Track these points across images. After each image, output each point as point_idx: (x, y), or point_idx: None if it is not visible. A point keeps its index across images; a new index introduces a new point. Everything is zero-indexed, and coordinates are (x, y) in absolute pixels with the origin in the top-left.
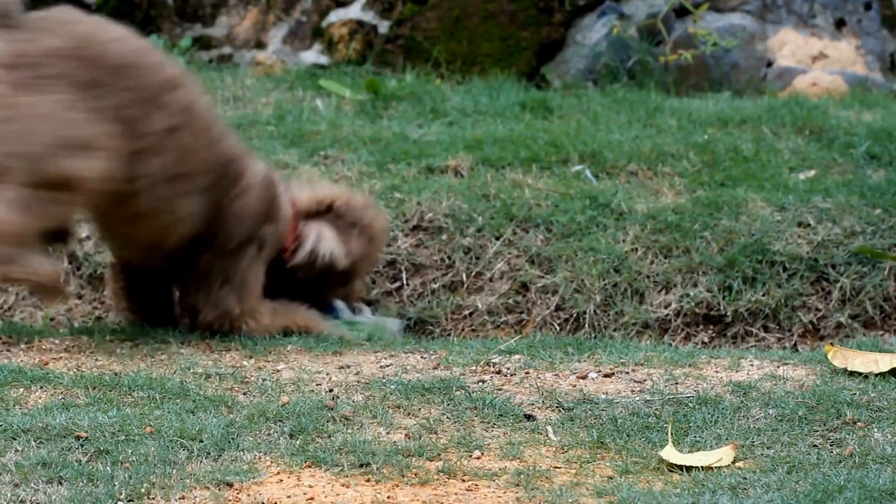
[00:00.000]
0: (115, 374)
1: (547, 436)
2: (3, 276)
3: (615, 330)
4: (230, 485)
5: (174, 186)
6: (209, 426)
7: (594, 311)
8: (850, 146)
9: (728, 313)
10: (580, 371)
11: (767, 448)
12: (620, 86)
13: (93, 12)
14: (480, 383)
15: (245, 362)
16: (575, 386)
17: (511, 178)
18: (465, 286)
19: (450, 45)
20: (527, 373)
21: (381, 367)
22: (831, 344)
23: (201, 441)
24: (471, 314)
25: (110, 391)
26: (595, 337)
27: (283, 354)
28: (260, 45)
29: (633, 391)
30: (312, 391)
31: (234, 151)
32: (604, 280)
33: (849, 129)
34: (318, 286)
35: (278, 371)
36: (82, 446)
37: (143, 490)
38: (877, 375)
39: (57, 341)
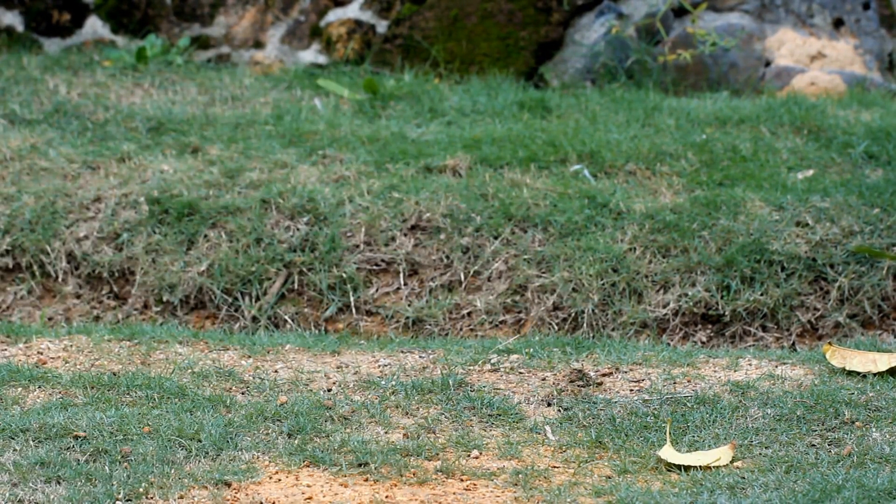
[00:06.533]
0: (114, 374)
1: (545, 435)
2: None
3: (613, 329)
4: (228, 484)
5: None
6: (207, 426)
7: (592, 310)
8: (848, 146)
9: (726, 313)
10: (578, 370)
11: (766, 447)
12: (619, 85)
13: (91, 12)
14: (479, 383)
15: (243, 362)
16: (573, 385)
17: (509, 178)
18: (464, 286)
19: (448, 45)
20: (525, 372)
21: (379, 366)
22: (829, 343)
23: (199, 441)
24: (469, 314)
25: (108, 391)
26: (593, 336)
27: (282, 354)
28: (258, 44)
29: (631, 391)
30: (311, 391)
31: None
32: (602, 279)
33: (847, 128)
34: None
35: (276, 371)
36: (81, 446)
37: (141, 490)
38: (875, 375)
39: (55, 341)
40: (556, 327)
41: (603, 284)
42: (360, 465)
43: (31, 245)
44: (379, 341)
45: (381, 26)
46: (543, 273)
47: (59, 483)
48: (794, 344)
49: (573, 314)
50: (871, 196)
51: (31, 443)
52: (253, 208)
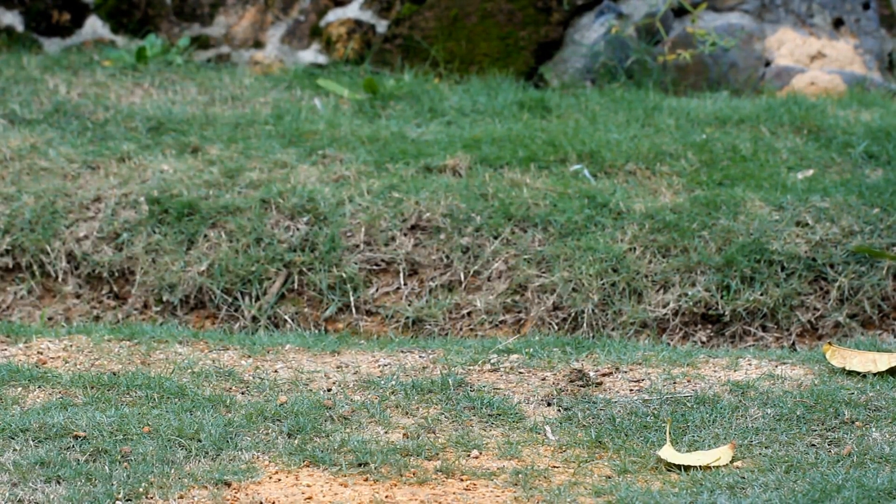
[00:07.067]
0: (113, 374)
1: (545, 435)
2: None
3: (613, 329)
4: (228, 484)
5: None
6: (207, 426)
7: (592, 310)
8: (848, 145)
9: (726, 313)
10: (578, 370)
11: (765, 447)
12: (619, 85)
13: (91, 12)
14: (479, 383)
15: (243, 362)
16: (573, 385)
17: (509, 178)
18: (464, 286)
19: (448, 45)
20: (525, 372)
21: (379, 366)
22: (829, 343)
23: (199, 441)
24: (469, 314)
25: (108, 391)
26: (593, 336)
27: (282, 354)
28: (258, 44)
29: (631, 391)
30: (311, 391)
31: None
32: (602, 279)
33: (847, 128)
34: None
35: (276, 370)
36: (81, 446)
37: (141, 490)
38: (875, 375)
39: (55, 341)
40: (556, 327)
41: (603, 284)
42: (360, 465)
43: (31, 245)
44: (379, 341)
45: (381, 26)
46: (543, 273)
47: (59, 483)
48: (794, 344)
49: (573, 314)
50: (871, 196)
51: (31, 443)
52: (253, 208)
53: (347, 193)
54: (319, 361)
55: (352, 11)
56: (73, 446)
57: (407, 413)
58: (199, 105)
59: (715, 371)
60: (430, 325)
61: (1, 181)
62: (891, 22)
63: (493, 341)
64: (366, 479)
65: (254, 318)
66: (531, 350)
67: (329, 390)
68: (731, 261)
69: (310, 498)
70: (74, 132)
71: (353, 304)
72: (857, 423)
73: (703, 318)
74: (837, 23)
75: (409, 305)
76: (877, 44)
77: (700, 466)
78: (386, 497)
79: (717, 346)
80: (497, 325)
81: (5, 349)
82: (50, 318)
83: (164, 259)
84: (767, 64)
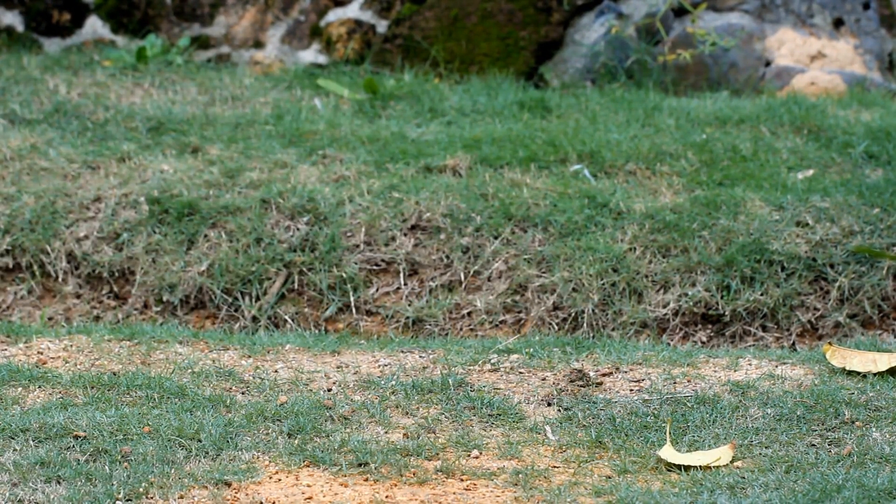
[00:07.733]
0: (114, 374)
1: (545, 435)
2: None
3: (613, 329)
4: (228, 484)
5: None
6: (207, 426)
7: (592, 310)
8: (848, 145)
9: (726, 313)
10: (578, 370)
11: (766, 447)
12: (619, 85)
13: (91, 12)
14: (479, 383)
15: (243, 362)
16: (573, 385)
17: (509, 178)
18: (464, 286)
19: (448, 45)
20: (525, 372)
21: (379, 366)
22: (829, 343)
23: (199, 441)
24: (469, 314)
25: (108, 391)
26: (593, 336)
27: (282, 354)
28: (258, 44)
29: (631, 391)
30: (311, 391)
31: None
32: (602, 279)
33: (847, 128)
34: None
35: (276, 371)
36: (81, 446)
37: (141, 490)
38: (875, 375)
39: (55, 341)
40: (556, 327)
41: (603, 284)
42: (360, 465)
43: (31, 245)
44: (379, 341)
45: (381, 26)
46: (543, 273)
47: (59, 483)
48: (794, 344)
49: (573, 314)
50: (871, 196)
51: (31, 443)
52: (253, 208)
53: (347, 193)
54: (319, 361)
55: (352, 11)
56: (73, 446)
57: (407, 413)
58: (199, 105)
59: (715, 371)
60: (430, 325)
61: (1, 181)
62: (891, 22)
63: (493, 341)
64: (366, 479)
65: (254, 318)
66: (531, 350)
67: (329, 390)
68: (731, 261)
69: (310, 498)
70: (74, 132)
71: (353, 304)
72: (857, 423)
73: (703, 318)
74: (837, 23)
75: (409, 305)
76: (877, 44)
77: (700, 466)
78: (386, 497)
79: (717, 346)
80: (497, 325)
81: (5, 349)
82: (50, 318)
83: (164, 259)
84: (767, 64)
